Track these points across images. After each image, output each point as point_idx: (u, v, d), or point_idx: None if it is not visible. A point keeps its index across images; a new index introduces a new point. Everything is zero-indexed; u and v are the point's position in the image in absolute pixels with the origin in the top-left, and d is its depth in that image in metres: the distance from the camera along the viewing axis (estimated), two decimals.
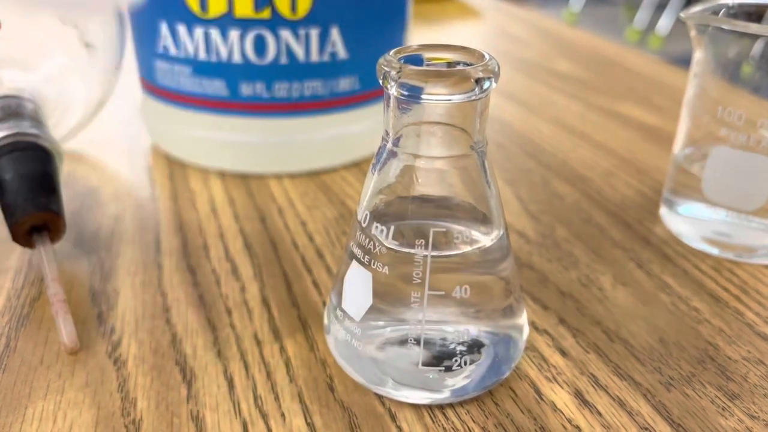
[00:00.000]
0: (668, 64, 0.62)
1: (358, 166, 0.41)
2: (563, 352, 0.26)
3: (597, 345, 0.27)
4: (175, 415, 0.23)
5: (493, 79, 0.20)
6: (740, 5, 0.33)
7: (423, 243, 0.21)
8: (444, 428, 0.23)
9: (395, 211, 0.22)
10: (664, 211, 0.35)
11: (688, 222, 0.33)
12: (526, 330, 0.25)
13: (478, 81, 0.20)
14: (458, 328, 0.23)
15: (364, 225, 0.23)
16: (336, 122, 0.38)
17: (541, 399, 0.24)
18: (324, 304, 0.29)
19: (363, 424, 0.23)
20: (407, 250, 0.22)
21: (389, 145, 0.22)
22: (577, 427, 0.23)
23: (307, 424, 0.23)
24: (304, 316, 0.28)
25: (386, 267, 0.22)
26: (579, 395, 0.24)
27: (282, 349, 0.26)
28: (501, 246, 0.23)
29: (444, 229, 0.22)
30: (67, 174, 0.39)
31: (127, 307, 0.28)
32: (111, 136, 0.45)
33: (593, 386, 0.25)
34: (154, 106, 0.40)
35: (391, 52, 0.21)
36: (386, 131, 0.22)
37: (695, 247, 0.33)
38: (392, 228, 0.22)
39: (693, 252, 0.33)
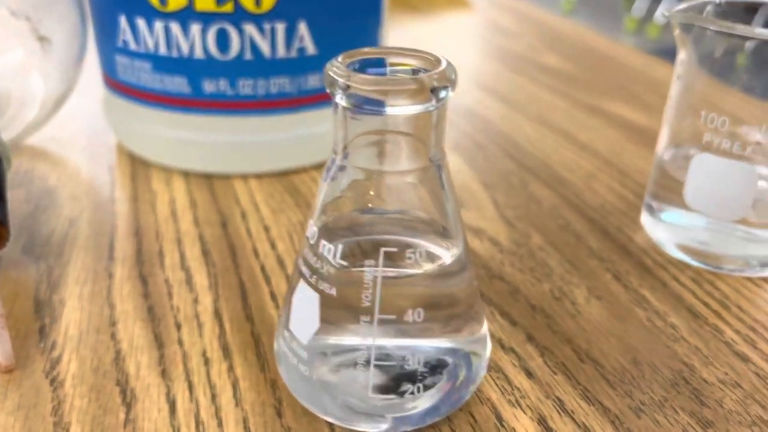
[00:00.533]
0: (663, 57, 0.60)
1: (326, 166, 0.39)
2: (529, 373, 0.25)
3: (565, 365, 0.25)
4: None
5: (449, 88, 0.19)
6: (727, 2, 0.31)
7: (373, 263, 0.20)
8: None
9: (345, 228, 0.21)
10: (645, 216, 0.34)
11: (669, 229, 0.32)
12: (488, 349, 0.23)
13: (434, 90, 0.18)
14: (411, 353, 0.21)
15: (312, 242, 0.21)
16: (305, 121, 0.37)
17: (502, 425, 0.22)
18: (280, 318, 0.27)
19: None
20: (356, 270, 0.20)
21: (338, 158, 0.20)
22: None
23: None
24: (258, 331, 0.26)
25: (334, 288, 0.20)
26: (542, 421, 0.23)
27: (231, 368, 0.25)
28: (460, 262, 0.21)
29: (395, 249, 0.20)
30: (24, 173, 0.38)
31: (72, 320, 0.27)
32: (75, 132, 0.43)
33: (558, 411, 0.23)
34: (116, 102, 0.38)
35: (340, 58, 0.19)
36: (335, 143, 0.20)
37: (675, 256, 0.32)
38: (340, 247, 0.20)
39: (673, 262, 0.31)
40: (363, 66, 0.20)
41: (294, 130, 0.37)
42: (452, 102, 0.49)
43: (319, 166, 0.39)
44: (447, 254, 0.21)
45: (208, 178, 0.38)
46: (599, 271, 0.31)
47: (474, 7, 0.79)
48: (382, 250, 0.20)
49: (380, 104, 0.18)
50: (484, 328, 0.23)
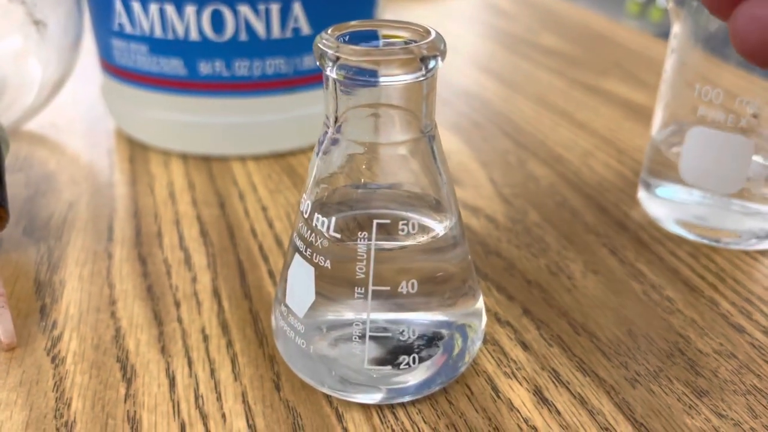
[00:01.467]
0: (661, 38, 0.60)
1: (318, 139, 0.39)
2: (525, 346, 0.25)
3: (561, 338, 0.25)
4: (111, 416, 0.22)
5: (439, 58, 0.19)
6: None
7: (366, 235, 0.20)
8: (392, 429, 0.21)
9: (338, 201, 0.21)
10: (641, 192, 0.34)
11: (666, 204, 0.32)
12: (483, 322, 0.24)
13: (423, 60, 0.19)
14: (406, 326, 0.21)
15: (306, 216, 0.21)
16: (301, 102, 0.37)
17: (498, 397, 0.23)
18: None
19: (307, 425, 0.22)
20: (349, 242, 0.20)
21: (331, 131, 0.20)
22: (534, 427, 0.22)
23: (249, 426, 0.22)
24: (256, 308, 0.27)
25: (328, 261, 0.21)
26: (538, 392, 0.23)
27: (229, 344, 0.25)
28: (453, 234, 0.22)
29: (388, 220, 0.20)
30: (23, 158, 0.38)
31: (72, 300, 0.27)
32: (73, 117, 0.43)
33: (554, 382, 0.23)
34: (114, 86, 0.38)
35: (329, 30, 0.19)
36: (327, 116, 0.20)
37: (672, 231, 0.32)
38: (334, 219, 0.20)
39: (670, 237, 0.31)
40: (352, 39, 0.20)
41: (290, 111, 0.37)
42: (450, 82, 0.49)
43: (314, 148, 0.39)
44: (440, 226, 0.21)
45: (206, 160, 0.38)
46: (595, 246, 0.31)
47: None
48: (375, 222, 0.20)
49: (371, 74, 0.18)
50: (480, 302, 0.23)
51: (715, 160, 0.29)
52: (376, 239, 0.20)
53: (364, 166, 0.20)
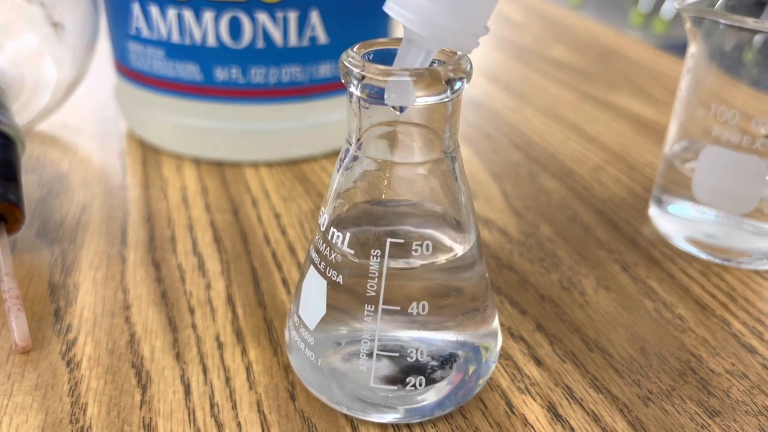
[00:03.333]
0: (668, 52, 0.60)
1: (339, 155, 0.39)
2: (538, 361, 0.25)
3: (574, 354, 0.25)
4: (126, 422, 0.22)
5: (465, 80, 0.19)
6: None
7: (379, 253, 0.20)
8: None
9: (355, 217, 0.21)
10: (653, 209, 0.34)
11: (677, 222, 0.32)
12: (498, 343, 0.23)
13: (449, 82, 0.19)
14: (415, 345, 0.21)
15: (322, 229, 0.21)
16: (316, 109, 0.37)
17: (512, 412, 0.23)
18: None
19: None
20: (362, 260, 0.20)
21: (352, 148, 0.20)
22: None
23: None
24: (270, 316, 0.27)
25: (341, 276, 0.21)
26: (552, 408, 0.23)
27: (244, 352, 0.25)
28: (471, 255, 0.22)
29: (402, 240, 0.20)
30: (36, 159, 0.38)
31: (86, 304, 0.27)
32: (85, 119, 0.43)
33: (567, 399, 0.23)
34: (128, 89, 0.38)
35: (355, 48, 0.20)
36: (349, 133, 0.20)
37: (683, 249, 0.32)
38: (348, 235, 0.20)
39: (681, 255, 0.32)
40: (377, 57, 0.20)
41: (305, 119, 0.37)
42: (462, 95, 0.50)
43: (329, 155, 0.39)
44: (458, 247, 0.21)
45: (218, 165, 0.38)
46: (607, 262, 0.31)
47: None
48: (389, 240, 0.20)
49: None
50: (495, 322, 0.23)
51: (729, 180, 0.29)
52: (389, 258, 0.20)
53: (383, 185, 0.20)
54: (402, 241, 0.20)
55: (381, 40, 0.20)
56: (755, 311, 0.28)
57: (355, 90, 0.19)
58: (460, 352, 0.22)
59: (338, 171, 0.21)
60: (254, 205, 0.34)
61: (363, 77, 0.18)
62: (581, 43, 0.63)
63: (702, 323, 0.27)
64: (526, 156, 0.41)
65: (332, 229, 0.21)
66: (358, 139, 0.20)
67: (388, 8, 0.18)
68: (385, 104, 0.19)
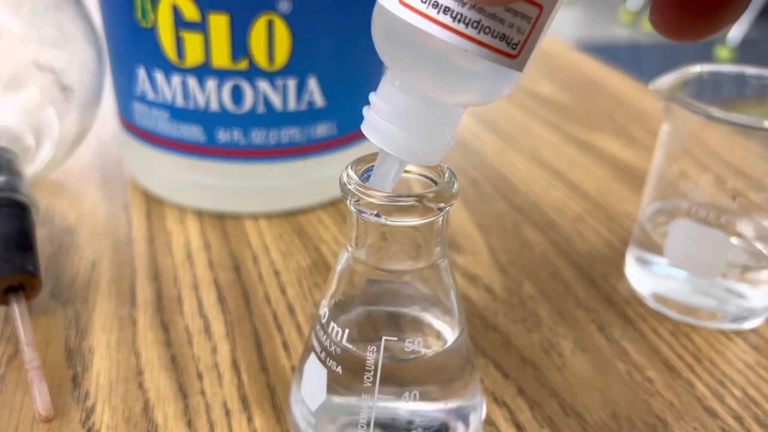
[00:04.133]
0: (655, 52, 0.63)
1: (335, 206, 0.42)
2: (519, 427, 0.27)
3: (552, 419, 0.28)
4: None
5: (452, 203, 0.21)
6: (710, 73, 0.34)
7: (374, 349, 0.22)
8: None
9: (352, 315, 0.23)
10: (629, 267, 0.36)
11: (649, 279, 0.35)
12: (484, 408, 0.26)
13: (440, 209, 0.21)
14: (405, 422, 0.23)
15: (323, 321, 0.23)
16: (313, 166, 0.39)
17: None
18: (292, 369, 0.30)
19: None
20: (359, 354, 0.22)
21: (351, 252, 0.22)
22: None
23: None
24: (273, 382, 0.29)
25: (340, 367, 0.23)
26: None
27: (250, 419, 0.27)
28: (459, 343, 0.24)
29: (396, 338, 0.22)
30: (44, 210, 0.40)
31: (102, 369, 0.29)
32: (89, 164, 0.45)
33: None
34: (133, 144, 0.40)
35: (353, 165, 0.21)
36: (348, 236, 0.22)
37: (654, 308, 0.34)
38: (347, 331, 0.23)
39: (652, 314, 0.34)
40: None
41: (302, 175, 0.39)
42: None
43: (324, 206, 0.41)
44: (448, 337, 0.24)
45: (220, 217, 0.40)
46: (584, 322, 0.33)
47: None
48: (384, 338, 0.22)
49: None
50: (478, 387, 0.26)
51: (696, 250, 0.32)
52: (384, 354, 0.22)
53: (378, 288, 0.23)
54: (396, 338, 0.22)
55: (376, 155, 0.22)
56: (718, 373, 0.31)
57: (352, 206, 0.21)
58: (450, 420, 0.24)
59: (338, 270, 0.23)
60: (255, 261, 0.36)
61: (359, 200, 0.20)
62: (567, 77, 0.66)
63: (669, 386, 0.30)
64: (510, 205, 0.43)
65: (332, 324, 0.23)
66: (356, 245, 0.22)
67: (365, 129, 0.20)
68: (380, 221, 0.21)
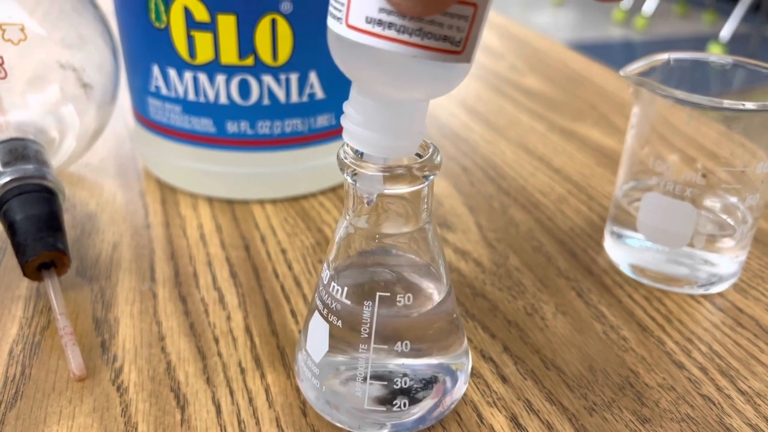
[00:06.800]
0: (648, 50, 0.66)
1: (334, 191, 0.45)
2: (504, 379, 0.31)
3: (534, 372, 0.31)
4: None
5: (436, 172, 0.24)
6: (677, 60, 0.37)
7: (370, 304, 0.25)
8: None
9: (350, 275, 0.26)
10: (607, 240, 0.39)
11: (626, 252, 0.38)
12: (470, 363, 0.29)
13: (424, 177, 0.24)
14: (401, 373, 0.26)
15: (325, 282, 0.26)
16: (314, 155, 0.42)
17: (482, 422, 0.28)
18: (300, 333, 0.33)
19: None
20: (357, 309, 0.26)
21: (348, 219, 0.26)
22: None
23: None
24: (282, 344, 0.32)
25: (340, 321, 0.26)
26: (514, 419, 0.29)
27: (263, 376, 0.30)
28: (445, 300, 0.27)
29: (389, 293, 0.25)
30: (67, 199, 0.43)
31: (127, 336, 0.32)
32: (106, 157, 0.48)
33: (527, 411, 0.29)
34: (147, 136, 0.43)
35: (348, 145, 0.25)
36: (346, 206, 0.26)
37: (630, 276, 0.37)
38: (346, 289, 0.26)
39: (629, 281, 0.37)
40: None
41: (304, 162, 0.42)
42: (441, 124, 0.55)
43: (325, 191, 0.45)
44: (435, 295, 0.27)
45: (229, 203, 0.43)
46: (565, 289, 0.36)
47: None
48: (378, 294, 0.25)
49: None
50: (464, 345, 0.29)
51: (666, 221, 0.35)
52: (378, 308, 0.25)
53: (373, 251, 0.26)
54: (389, 294, 0.25)
55: None
56: (687, 332, 0.34)
57: (349, 179, 0.24)
58: (439, 374, 0.27)
59: (337, 235, 0.26)
60: (263, 241, 0.39)
61: (355, 173, 0.24)
62: (553, 71, 0.69)
63: (642, 343, 0.33)
64: (499, 188, 0.46)
65: (333, 284, 0.26)
66: (352, 213, 0.25)
67: (345, 137, 0.23)
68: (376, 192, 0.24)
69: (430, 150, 0.25)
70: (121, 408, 0.28)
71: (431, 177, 0.24)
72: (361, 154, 0.25)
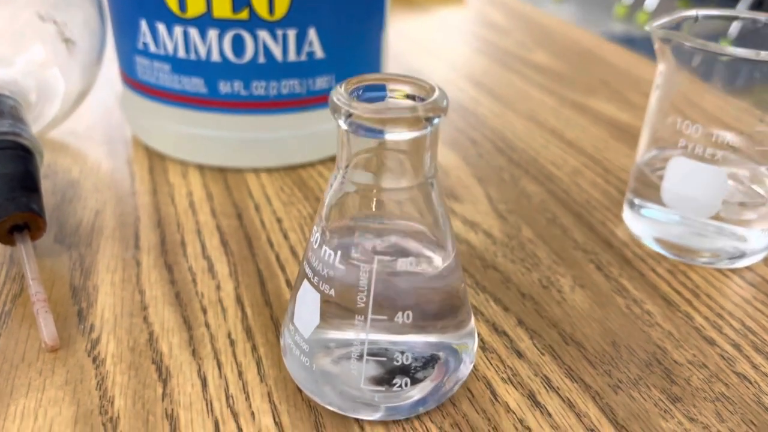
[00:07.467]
0: (650, 46, 0.63)
1: (334, 161, 0.42)
2: (519, 354, 0.28)
3: (552, 347, 0.28)
4: (151, 413, 0.24)
5: (441, 116, 0.21)
6: (705, 16, 0.34)
7: (367, 269, 0.22)
8: (404, 428, 0.24)
9: (344, 236, 0.23)
10: (626, 211, 0.37)
11: (647, 224, 0.35)
12: (475, 343, 0.26)
13: (428, 119, 0.21)
14: (401, 349, 0.23)
15: (315, 246, 0.24)
16: (313, 119, 0.39)
17: (496, 400, 0.26)
18: None
19: (327, 424, 0.24)
20: (352, 275, 0.23)
21: (340, 173, 0.23)
22: (528, 428, 0.24)
23: (275, 423, 0.24)
24: (277, 315, 0.29)
25: (333, 289, 0.23)
26: (531, 396, 0.26)
27: (254, 348, 0.27)
28: (450, 267, 0.24)
29: (388, 257, 0.22)
30: (47, 166, 0.40)
31: (107, 305, 0.29)
32: (92, 125, 0.46)
33: (546, 388, 0.26)
34: (134, 99, 0.41)
35: (343, 84, 0.22)
36: (339, 158, 0.23)
37: (652, 249, 0.35)
38: (339, 253, 0.23)
39: (651, 254, 0.34)
40: (364, 91, 0.22)
41: (303, 128, 0.39)
42: (449, 98, 0.52)
43: (325, 161, 0.42)
44: (438, 261, 0.24)
45: (221, 171, 0.40)
46: (583, 262, 0.34)
47: (467, 2, 0.81)
48: (376, 258, 0.22)
49: (379, 131, 0.21)
50: (472, 324, 0.26)
51: (693, 188, 0.32)
52: (376, 273, 0.22)
53: (369, 207, 0.23)
54: (388, 258, 0.22)
55: (366, 76, 0.22)
56: (716, 306, 0.31)
57: (342, 124, 0.21)
58: (441, 353, 0.24)
59: (329, 192, 0.23)
60: (257, 210, 0.37)
61: (350, 114, 0.21)
62: (562, 47, 0.66)
63: (668, 318, 0.30)
64: (509, 160, 0.43)
65: (324, 247, 0.23)
66: (346, 166, 0.22)
67: None
68: (370, 137, 0.21)
69: (436, 92, 0.22)
70: (97, 381, 0.26)
71: (435, 121, 0.21)
72: (358, 94, 0.22)
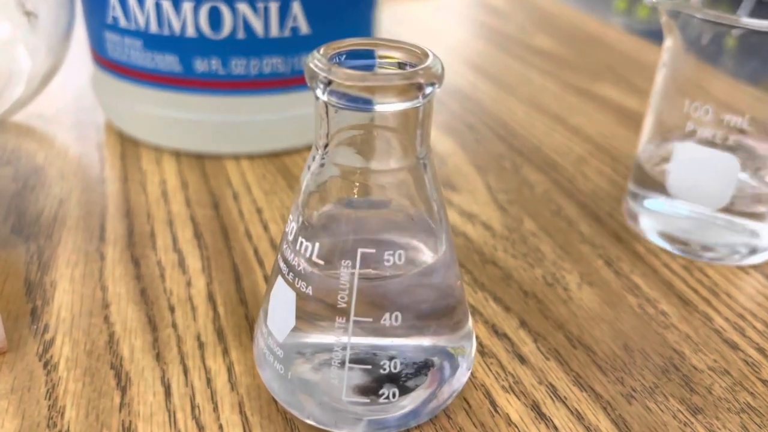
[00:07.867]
0: (651, 38, 0.60)
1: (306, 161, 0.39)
2: (522, 359, 0.25)
3: (558, 351, 0.25)
4: (105, 426, 0.22)
5: (437, 84, 0.18)
6: None
7: (349, 264, 0.19)
8: None
9: (323, 226, 0.20)
10: (629, 202, 0.34)
11: (651, 216, 0.32)
12: (473, 346, 0.23)
13: (421, 87, 0.18)
14: (388, 356, 0.20)
15: (290, 238, 0.21)
16: (298, 101, 0.36)
17: (496, 411, 0.23)
18: None
19: None
20: (332, 271, 0.20)
21: (319, 154, 0.20)
22: None
23: None
24: (252, 314, 0.26)
25: (310, 287, 0.20)
26: (536, 407, 0.23)
27: (225, 352, 0.25)
28: (444, 261, 0.21)
29: (374, 250, 0.19)
30: (11, 151, 0.37)
31: (64, 303, 0.27)
32: (62, 109, 0.42)
33: (551, 397, 0.23)
34: (105, 80, 0.38)
35: (321, 50, 0.19)
36: (316, 138, 0.20)
37: (657, 244, 0.32)
38: (317, 245, 0.20)
39: (665, 249, 0.32)
40: (347, 58, 0.19)
41: (287, 111, 0.36)
42: (445, 83, 0.49)
43: (311, 147, 0.39)
44: (430, 254, 0.21)
45: (199, 158, 0.37)
46: (591, 257, 0.31)
47: None
48: (360, 251, 0.19)
49: (365, 101, 0.18)
50: (469, 325, 0.23)
51: (703, 175, 0.29)
52: (360, 269, 0.19)
53: (353, 192, 0.20)
54: (373, 250, 0.19)
55: (349, 40, 0.19)
56: (737, 306, 0.28)
57: (321, 95, 0.18)
58: (434, 359, 0.21)
59: (306, 177, 0.20)
60: (235, 199, 0.34)
61: (330, 82, 0.18)
62: (564, 33, 0.63)
63: (685, 319, 0.27)
64: (510, 147, 0.40)
65: (300, 239, 0.20)
66: (326, 145, 0.19)
67: None
68: (354, 110, 0.18)
69: (429, 57, 0.19)
70: (47, 388, 0.23)
71: (429, 91, 0.18)
72: (340, 60, 0.19)
